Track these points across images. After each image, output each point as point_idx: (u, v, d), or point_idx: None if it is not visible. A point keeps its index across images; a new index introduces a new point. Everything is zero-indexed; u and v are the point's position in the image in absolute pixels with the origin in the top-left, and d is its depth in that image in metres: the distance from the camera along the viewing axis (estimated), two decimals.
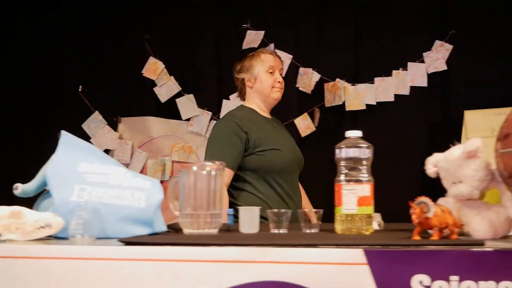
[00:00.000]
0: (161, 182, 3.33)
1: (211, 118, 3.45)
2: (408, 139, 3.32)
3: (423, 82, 3.32)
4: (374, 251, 1.23)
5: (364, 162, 1.58)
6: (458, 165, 1.46)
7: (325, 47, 3.42)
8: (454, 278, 1.22)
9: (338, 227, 1.57)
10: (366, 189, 1.55)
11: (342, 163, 1.58)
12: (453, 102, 3.29)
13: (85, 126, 3.49)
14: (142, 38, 3.51)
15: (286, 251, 1.25)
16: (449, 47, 3.33)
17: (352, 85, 3.35)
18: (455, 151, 1.48)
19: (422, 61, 3.34)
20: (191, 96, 3.47)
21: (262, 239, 1.38)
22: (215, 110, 3.45)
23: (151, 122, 3.47)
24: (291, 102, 3.39)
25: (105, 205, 1.49)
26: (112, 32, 3.51)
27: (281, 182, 2.45)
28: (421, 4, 3.40)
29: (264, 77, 2.59)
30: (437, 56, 3.33)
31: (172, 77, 3.48)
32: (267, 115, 2.65)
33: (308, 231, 1.64)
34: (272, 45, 3.41)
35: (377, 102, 3.34)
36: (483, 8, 3.38)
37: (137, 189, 1.57)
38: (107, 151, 3.46)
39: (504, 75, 3.26)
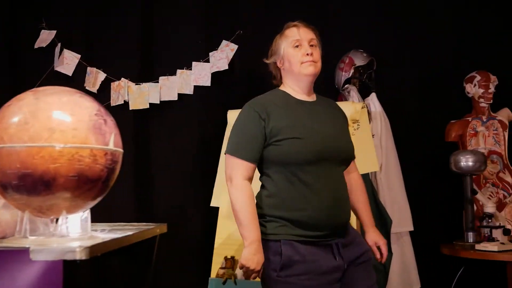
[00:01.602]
0: None
1: None
2: (191, 137, 3.37)
3: (206, 82, 3.36)
4: None
5: None
6: None
7: (113, 47, 3.44)
8: None
9: None
10: None
11: None
12: (236, 101, 3.33)
13: None
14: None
15: None
16: (234, 47, 3.37)
17: (136, 84, 3.37)
18: None
19: (208, 61, 3.38)
20: None
21: None
22: None
23: None
24: None
25: None
26: None
27: (303, 176, 2.05)
28: (209, 4, 3.44)
29: (290, 54, 2.19)
30: (221, 56, 3.37)
31: None
32: (305, 97, 2.22)
33: None
34: (59, 44, 3.43)
35: (161, 101, 3.37)
36: (269, 9, 3.44)
37: None
38: None
39: None
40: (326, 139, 2.12)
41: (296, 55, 2.17)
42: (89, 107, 1.32)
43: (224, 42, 3.39)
